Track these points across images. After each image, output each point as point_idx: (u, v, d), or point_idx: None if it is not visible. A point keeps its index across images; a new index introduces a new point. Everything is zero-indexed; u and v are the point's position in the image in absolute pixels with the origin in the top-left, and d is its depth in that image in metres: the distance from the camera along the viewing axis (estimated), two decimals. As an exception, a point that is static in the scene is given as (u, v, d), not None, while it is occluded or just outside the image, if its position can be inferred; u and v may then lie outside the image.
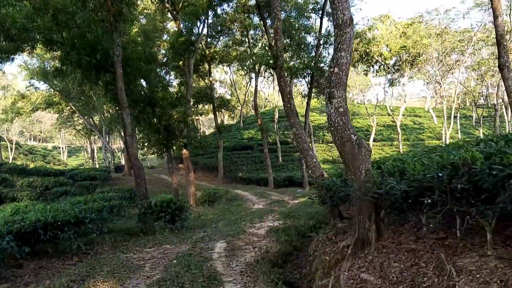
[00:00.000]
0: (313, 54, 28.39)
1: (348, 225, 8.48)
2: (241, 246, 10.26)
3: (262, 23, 26.38)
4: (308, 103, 28.73)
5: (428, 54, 38.80)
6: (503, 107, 48.74)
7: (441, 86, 46.09)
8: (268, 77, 44.12)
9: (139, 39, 25.46)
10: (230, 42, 38.73)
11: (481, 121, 51.26)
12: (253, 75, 41.49)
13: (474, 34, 36.42)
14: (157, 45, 33.45)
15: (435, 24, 37.72)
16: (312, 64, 25.81)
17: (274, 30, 12.17)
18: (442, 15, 36.71)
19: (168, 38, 33.28)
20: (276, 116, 46.77)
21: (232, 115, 72.85)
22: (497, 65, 36.54)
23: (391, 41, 34.27)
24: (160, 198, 14.26)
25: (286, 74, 23.86)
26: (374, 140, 49.28)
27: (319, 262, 7.38)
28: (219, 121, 42.66)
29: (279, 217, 15.04)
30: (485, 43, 41.08)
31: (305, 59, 26.88)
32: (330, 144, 47.85)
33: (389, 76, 39.75)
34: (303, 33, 29.24)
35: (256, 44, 34.38)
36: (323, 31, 27.98)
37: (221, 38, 38.54)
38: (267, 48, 37.15)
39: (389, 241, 6.11)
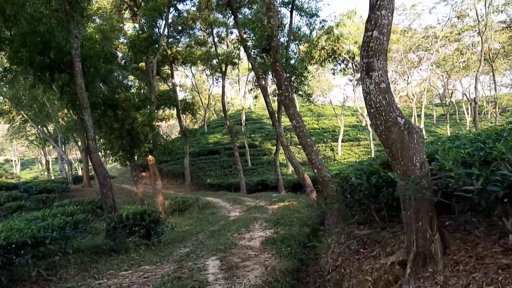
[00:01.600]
0: (283, 51, 27.01)
1: (373, 233, 7.01)
2: (238, 264, 8.61)
3: (232, 15, 24.76)
4: (279, 102, 27.38)
5: (394, 51, 38.39)
6: (469, 104, 49.32)
7: (408, 83, 45.97)
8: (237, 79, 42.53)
9: (96, 36, 23.35)
10: (193, 42, 36.98)
11: (448, 119, 51.69)
12: (217, 78, 39.83)
13: (442, 29, 36.24)
14: (115, 46, 31.26)
15: (402, 19, 37.35)
16: (284, 61, 24.48)
17: (266, 6, 10.60)
18: (409, 10, 36.38)
19: (126, 40, 31.19)
20: (243, 118, 45.24)
21: (194, 120, 70.79)
22: (461, 61, 36.25)
23: (360, 37, 33.45)
24: (132, 209, 12.37)
25: (259, 70, 22.51)
26: (343, 141, 48.65)
27: (357, 284, 5.84)
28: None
29: (267, 225, 13.49)
30: (448, 40, 41.29)
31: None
32: (298, 146, 46.72)
33: (358, 75, 39.00)
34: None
35: (222, 42, 32.71)
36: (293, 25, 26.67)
37: (182, 39, 36.78)
38: (234, 46, 35.97)
39: (461, 254, 4.65)
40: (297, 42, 27.34)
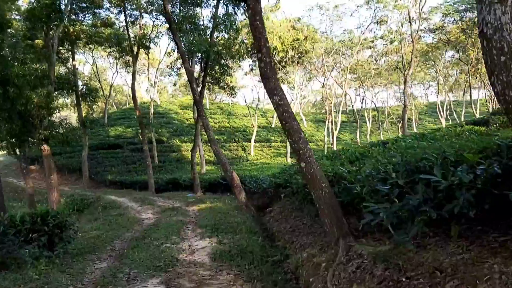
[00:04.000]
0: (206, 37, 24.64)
1: (403, 251, 5.08)
2: (192, 290, 6.20)
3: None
4: (201, 92, 24.83)
5: (315, 52, 37.83)
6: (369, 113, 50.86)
7: (323, 87, 45.96)
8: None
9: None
10: (99, 23, 32.87)
11: (359, 125, 52.81)
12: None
13: (363, 32, 36.41)
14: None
15: (324, 19, 36.86)
16: (207, 47, 22.21)
17: None
18: (331, 11, 36.01)
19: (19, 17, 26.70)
20: (152, 110, 41.77)
21: (91, 111, 64.97)
22: (374, 68, 36.78)
23: (283, 34, 32.26)
24: (31, 210, 9.21)
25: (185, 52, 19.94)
26: (255, 141, 47.31)
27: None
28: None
29: (204, 232, 11.11)
30: (363, 46, 41.91)
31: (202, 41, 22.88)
32: (209, 144, 44.43)
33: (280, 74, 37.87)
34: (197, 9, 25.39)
35: (135, 23, 29.21)
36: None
37: (87, 18, 32.50)
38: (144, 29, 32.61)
39: None
40: (222, 29, 25.07)
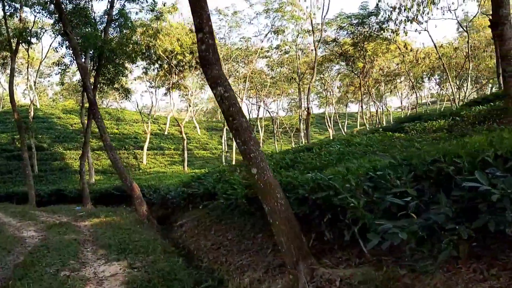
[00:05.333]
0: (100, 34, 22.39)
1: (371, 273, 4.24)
2: None
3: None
4: (94, 94, 22.38)
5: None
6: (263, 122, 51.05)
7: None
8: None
9: None
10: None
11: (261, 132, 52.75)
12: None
13: (262, 41, 36.31)
14: None
15: (223, 24, 36.08)
16: (103, 43, 20.16)
17: None
18: (230, 17, 35.32)
19: None
20: (32, 114, 37.33)
21: None
22: (270, 77, 36.95)
23: (182, 35, 30.87)
24: None
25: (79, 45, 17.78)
26: (148, 149, 44.79)
27: None
28: None
29: (108, 254, 9.38)
30: (258, 55, 42.01)
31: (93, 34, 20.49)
32: (97, 152, 40.92)
33: (174, 79, 36.15)
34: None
35: (15, 16, 25.54)
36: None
37: None
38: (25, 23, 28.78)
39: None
40: (116, 26, 23.00)
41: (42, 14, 25.74)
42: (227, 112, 5.61)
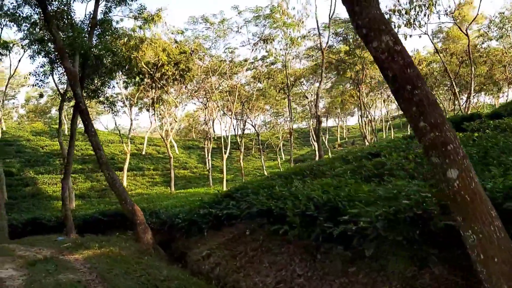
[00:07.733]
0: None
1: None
2: None
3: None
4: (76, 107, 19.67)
5: (197, 70, 34.71)
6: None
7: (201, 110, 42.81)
8: None
9: None
10: None
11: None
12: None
13: (251, 50, 34.35)
14: None
15: (210, 34, 33.90)
16: (88, 49, 17.69)
17: None
18: (217, 25, 33.16)
19: None
20: (-1, 135, 34.02)
21: None
22: (255, 90, 34.97)
23: (167, 45, 28.55)
24: None
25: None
26: (127, 170, 41.79)
27: None
28: None
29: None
30: (242, 67, 40.18)
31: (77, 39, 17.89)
32: (73, 175, 37.63)
33: (156, 94, 33.61)
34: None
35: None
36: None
37: None
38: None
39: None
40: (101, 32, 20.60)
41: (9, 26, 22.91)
42: (401, 75, 3.33)
